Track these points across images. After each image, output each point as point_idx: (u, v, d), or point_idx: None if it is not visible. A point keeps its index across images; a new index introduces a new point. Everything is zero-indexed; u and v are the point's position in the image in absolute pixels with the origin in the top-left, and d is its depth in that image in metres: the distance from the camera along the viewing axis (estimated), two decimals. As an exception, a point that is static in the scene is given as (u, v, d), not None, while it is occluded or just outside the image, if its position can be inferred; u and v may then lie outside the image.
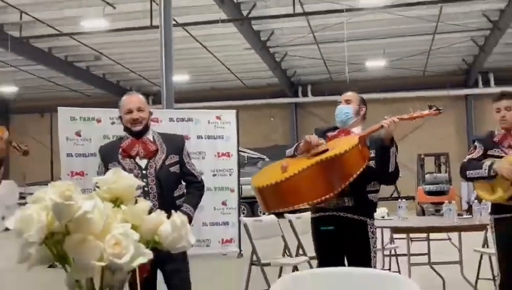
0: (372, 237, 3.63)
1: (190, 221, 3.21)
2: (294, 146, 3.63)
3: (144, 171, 3.26)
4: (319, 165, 3.28)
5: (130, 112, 3.34)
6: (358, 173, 3.33)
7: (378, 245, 5.77)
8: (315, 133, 3.78)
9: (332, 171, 3.33)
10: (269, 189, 3.33)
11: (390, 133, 3.47)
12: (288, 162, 3.49)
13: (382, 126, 3.46)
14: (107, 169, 3.15)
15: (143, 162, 3.30)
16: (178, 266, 3.29)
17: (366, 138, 3.54)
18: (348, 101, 3.78)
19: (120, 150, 3.32)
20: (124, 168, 3.14)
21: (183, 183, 3.43)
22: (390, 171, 3.52)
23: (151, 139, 3.37)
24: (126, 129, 3.39)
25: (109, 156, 3.35)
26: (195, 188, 3.46)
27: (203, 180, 3.53)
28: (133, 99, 3.40)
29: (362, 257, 3.53)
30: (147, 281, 3.09)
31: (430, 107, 3.60)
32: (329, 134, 3.75)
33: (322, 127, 3.93)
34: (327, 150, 3.41)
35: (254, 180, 3.51)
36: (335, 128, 3.80)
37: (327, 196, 3.32)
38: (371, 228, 3.62)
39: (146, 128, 3.37)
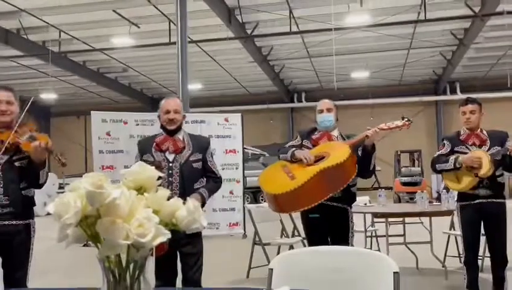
0: (351, 221, 3.71)
1: (204, 203, 3.19)
2: (290, 153, 3.59)
3: (170, 164, 3.25)
4: (322, 172, 3.32)
5: (167, 112, 3.32)
6: (353, 176, 3.45)
7: (361, 228, 5.77)
8: (299, 135, 3.81)
9: (334, 176, 3.39)
10: (285, 195, 3.33)
11: (372, 141, 3.51)
12: (289, 168, 3.50)
13: (367, 136, 3.49)
14: (142, 159, 3.19)
15: (171, 156, 3.27)
16: (193, 250, 3.26)
17: (354, 145, 3.57)
18: (329, 110, 3.80)
19: (154, 144, 3.31)
20: (154, 159, 3.19)
21: (204, 178, 3.38)
22: (370, 169, 3.61)
23: (181, 138, 3.34)
24: (162, 127, 3.38)
25: (145, 148, 3.34)
26: (214, 181, 3.40)
27: (221, 176, 3.47)
28: (171, 103, 3.37)
29: (343, 237, 3.60)
30: (167, 259, 3.08)
31: (403, 118, 3.63)
32: (314, 137, 3.76)
33: (304, 129, 3.92)
34: (323, 157, 3.45)
35: (267, 187, 3.48)
36: (315, 129, 3.82)
37: (328, 197, 3.40)
38: (350, 214, 3.70)
39: (179, 128, 3.35)
